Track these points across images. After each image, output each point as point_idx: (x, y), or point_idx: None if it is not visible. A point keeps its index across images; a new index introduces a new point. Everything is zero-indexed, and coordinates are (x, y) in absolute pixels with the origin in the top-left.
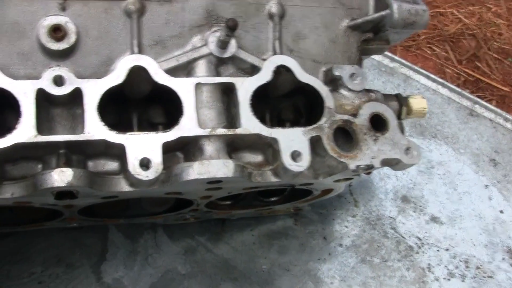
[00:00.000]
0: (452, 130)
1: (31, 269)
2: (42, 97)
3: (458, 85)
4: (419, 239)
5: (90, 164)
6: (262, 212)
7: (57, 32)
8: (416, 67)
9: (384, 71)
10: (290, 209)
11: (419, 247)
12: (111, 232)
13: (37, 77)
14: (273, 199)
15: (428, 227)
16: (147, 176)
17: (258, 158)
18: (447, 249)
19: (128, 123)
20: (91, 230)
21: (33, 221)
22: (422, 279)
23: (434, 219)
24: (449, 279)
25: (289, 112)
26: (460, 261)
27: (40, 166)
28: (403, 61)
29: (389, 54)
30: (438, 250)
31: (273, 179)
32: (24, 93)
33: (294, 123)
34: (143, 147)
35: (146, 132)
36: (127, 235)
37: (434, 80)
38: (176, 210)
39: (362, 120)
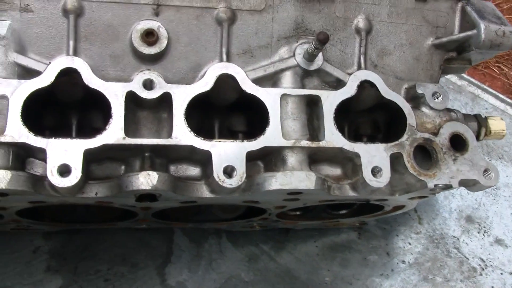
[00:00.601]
0: None
1: (97, 266)
2: (130, 99)
3: None
4: (483, 260)
5: (172, 168)
6: (327, 224)
7: (149, 36)
8: (484, 86)
9: (452, 89)
10: (355, 222)
11: (483, 269)
12: (176, 235)
13: (126, 79)
14: (342, 212)
15: (492, 249)
16: (231, 184)
17: (336, 171)
18: (511, 273)
19: (209, 129)
20: (156, 231)
21: (105, 220)
22: None
23: (498, 241)
24: None
25: (368, 127)
26: None
27: (123, 167)
28: (471, 79)
29: None
30: (502, 273)
31: (351, 193)
32: (115, 95)
33: (371, 138)
34: (228, 155)
35: (231, 140)
36: (192, 239)
37: (502, 100)
38: (246, 217)
39: (442, 139)
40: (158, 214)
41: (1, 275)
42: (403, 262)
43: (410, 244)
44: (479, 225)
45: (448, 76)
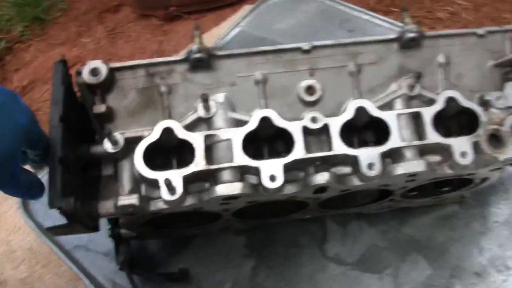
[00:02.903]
0: None
1: (276, 249)
2: (304, 130)
3: None
4: None
5: (332, 169)
6: (436, 200)
7: (310, 90)
8: None
9: None
10: (457, 198)
11: None
12: (327, 222)
13: (297, 118)
14: (446, 189)
15: None
16: (374, 174)
17: (437, 158)
18: None
19: (350, 142)
20: (312, 221)
21: (284, 213)
22: None
23: None
24: None
25: (455, 127)
26: None
27: (301, 173)
28: None
29: None
30: None
31: (449, 171)
32: (296, 129)
33: (459, 134)
34: (369, 156)
35: (369, 147)
36: (338, 223)
37: None
38: (378, 200)
39: (506, 127)
40: (320, 204)
41: (212, 263)
42: (496, 222)
43: (500, 208)
44: None
45: None
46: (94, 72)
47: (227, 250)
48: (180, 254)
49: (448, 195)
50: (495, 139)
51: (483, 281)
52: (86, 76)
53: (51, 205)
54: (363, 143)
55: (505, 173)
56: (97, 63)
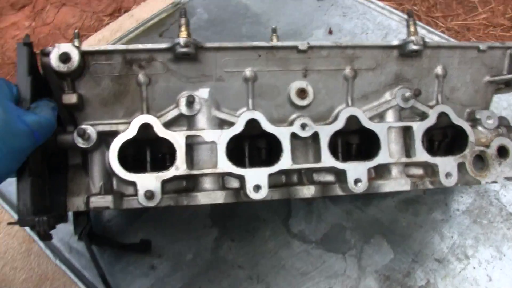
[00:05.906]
0: None
1: (239, 223)
2: (292, 136)
3: None
4: None
5: (315, 175)
6: None
7: (302, 93)
8: None
9: None
10: None
11: None
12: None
13: (285, 120)
14: None
15: None
16: (359, 190)
17: (420, 171)
18: None
19: (335, 143)
20: None
21: None
22: None
23: None
24: None
25: (439, 135)
26: None
27: (283, 177)
28: None
29: None
30: None
31: (430, 186)
32: (284, 135)
33: (440, 142)
34: (356, 170)
35: (357, 161)
36: (304, 200)
37: None
38: None
39: (492, 150)
40: None
41: (172, 232)
42: (458, 210)
43: (462, 197)
44: None
45: None
46: (64, 57)
47: (189, 219)
48: (138, 222)
49: None
50: (480, 160)
51: (443, 268)
52: (54, 62)
53: (22, 223)
54: (347, 144)
55: None
56: (67, 47)
